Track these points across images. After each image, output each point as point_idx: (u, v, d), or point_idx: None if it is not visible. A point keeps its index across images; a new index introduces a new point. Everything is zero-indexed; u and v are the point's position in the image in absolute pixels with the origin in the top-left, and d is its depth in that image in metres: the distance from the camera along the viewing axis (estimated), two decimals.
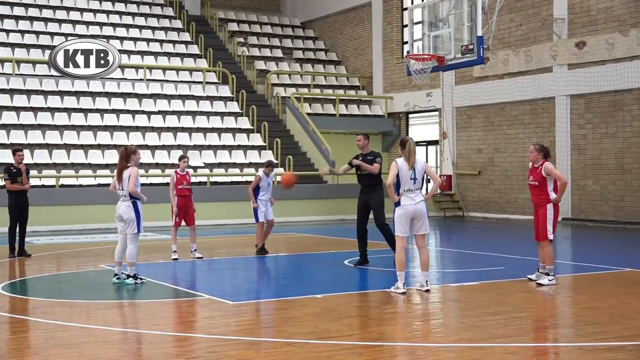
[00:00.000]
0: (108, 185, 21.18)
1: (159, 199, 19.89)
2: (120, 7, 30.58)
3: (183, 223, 13.75)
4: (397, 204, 9.71)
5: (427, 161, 27.48)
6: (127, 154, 10.70)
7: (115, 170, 10.90)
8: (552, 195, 10.26)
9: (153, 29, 30.21)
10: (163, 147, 24.06)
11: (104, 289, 10.52)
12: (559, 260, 13.95)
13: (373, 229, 12.52)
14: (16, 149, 14.19)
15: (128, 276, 10.70)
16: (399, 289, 9.66)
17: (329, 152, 25.41)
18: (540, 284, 10.27)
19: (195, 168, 23.28)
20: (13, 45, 26.37)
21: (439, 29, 19.28)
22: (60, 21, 28.52)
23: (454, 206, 25.62)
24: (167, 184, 22.26)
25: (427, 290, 9.85)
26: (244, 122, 26.64)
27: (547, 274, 10.34)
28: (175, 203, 13.60)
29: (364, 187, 12.55)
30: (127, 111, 24.95)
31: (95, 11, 29.66)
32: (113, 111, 24.72)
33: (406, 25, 26.01)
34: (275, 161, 13.97)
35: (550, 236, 10.30)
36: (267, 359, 6.62)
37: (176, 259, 13.55)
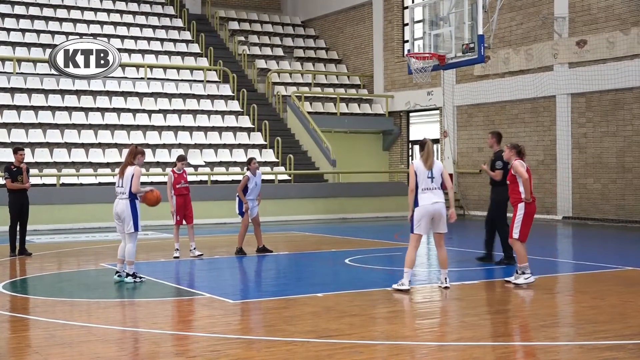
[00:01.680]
0: (109, 184, 21.31)
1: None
2: (121, 5, 30.58)
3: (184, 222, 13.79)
4: (416, 204, 9.76)
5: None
6: (134, 153, 10.76)
7: (120, 166, 10.94)
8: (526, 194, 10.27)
9: (154, 27, 30.21)
10: (164, 145, 24.06)
11: (104, 287, 10.53)
12: (560, 259, 13.96)
13: (379, 230, 12.50)
14: (17, 148, 14.17)
15: (127, 275, 10.70)
16: (404, 285, 9.67)
17: (330, 150, 25.42)
18: (516, 284, 10.14)
19: (196, 167, 23.29)
20: (14, 44, 26.38)
21: (439, 28, 19.27)
22: (61, 20, 28.52)
23: (454, 205, 25.57)
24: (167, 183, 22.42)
25: (447, 287, 9.94)
26: (245, 121, 26.65)
27: (523, 273, 10.22)
28: (174, 202, 13.63)
29: (489, 184, 12.67)
30: (128, 110, 24.95)
31: (96, 10, 29.66)
32: (114, 110, 24.72)
33: (407, 24, 25.99)
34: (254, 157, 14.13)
35: (515, 235, 10.21)
36: (267, 358, 6.62)
37: (177, 257, 13.57)
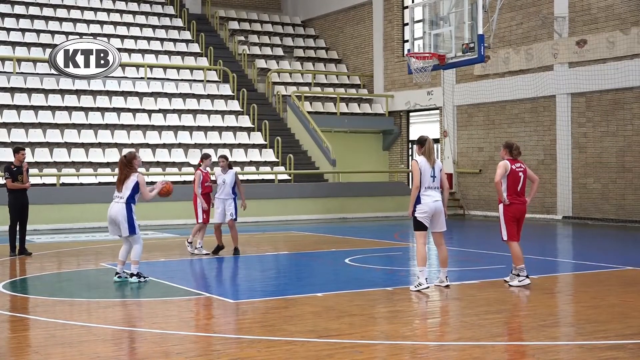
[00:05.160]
0: (109, 184, 21.30)
1: (160, 197, 19.86)
2: (121, 5, 30.58)
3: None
4: (418, 201, 9.78)
5: None
6: (128, 161, 10.68)
7: (117, 178, 10.82)
8: (503, 196, 10.24)
9: (154, 27, 30.21)
10: (164, 145, 24.05)
11: (104, 287, 10.53)
12: (560, 259, 13.96)
13: (380, 229, 12.48)
14: (18, 147, 14.13)
15: (132, 274, 10.70)
16: (422, 285, 9.67)
17: (330, 150, 25.42)
18: (510, 285, 10.12)
19: (195, 167, 23.29)
20: (14, 44, 26.38)
21: (439, 28, 19.29)
22: (61, 20, 28.52)
23: (454, 204, 25.62)
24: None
25: (447, 286, 9.98)
26: (245, 121, 26.64)
27: (518, 275, 10.16)
28: (203, 201, 13.75)
29: None
30: (128, 110, 24.96)
31: (96, 10, 29.66)
32: (114, 110, 24.72)
33: (407, 24, 26.01)
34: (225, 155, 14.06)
35: (504, 237, 10.20)
36: (268, 358, 6.61)
37: (208, 253, 13.78)
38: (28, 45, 26.57)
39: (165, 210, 20.64)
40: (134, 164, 10.69)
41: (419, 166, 9.80)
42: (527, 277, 10.12)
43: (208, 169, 14.11)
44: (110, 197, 10.90)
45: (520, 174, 10.28)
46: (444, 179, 10.10)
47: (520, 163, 10.37)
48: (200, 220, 13.86)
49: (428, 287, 9.74)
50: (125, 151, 22.54)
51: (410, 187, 10.09)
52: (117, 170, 10.89)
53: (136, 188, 10.59)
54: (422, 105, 27.84)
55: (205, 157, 14.07)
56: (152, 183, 20.89)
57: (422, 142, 9.93)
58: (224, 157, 13.78)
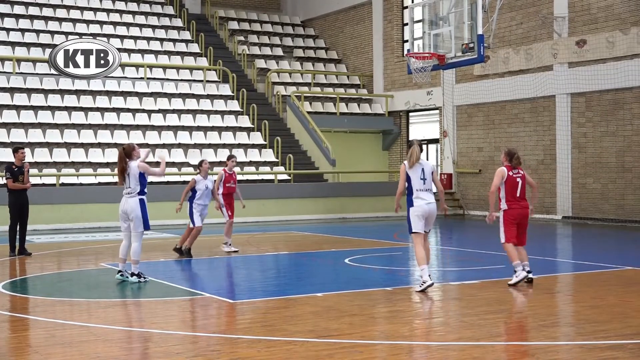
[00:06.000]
0: (108, 184, 21.30)
1: (160, 197, 19.88)
2: (120, 5, 30.58)
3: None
4: (411, 204, 9.85)
5: (427, 159, 27.47)
6: (127, 153, 10.70)
7: (117, 171, 10.84)
8: (501, 204, 10.33)
9: (153, 27, 30.20)
10: (164, 145, 24.05)
11: (104, 287, 10.53)
12: (560, 259, 13.97)
13: (379, 228, 12.47)
14: (17, 147, 14.12)
15: (132, 274, 10.69)
16: (426, 282, 9.70)
17: (330, 150, 25.42)
18: (509, 285, 10.13)
19: (195, 167, 23.28)
20: (13, 44, 26.37)
21: (439, 28, 19.30)
22: (60, 20, 28.52)
23: (454, 204, 25.62)
24: (167, 183, 22.42)
25: (432, 284, 10.02)
26: (245, 121, 26.64)
27: (514, 271, 10.18)
28: (222, 200, 14.05)
29: None
30: (128, 110, 24.95)
31: (95, 10, 29.66)
32: (113, 110, 24.71)
33: (407, 24, 26.01)
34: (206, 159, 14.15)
35: (502, 240, 10.31)
36: (267, 358, 6.61)
37: (237, 250, 14.17)
38: (28, 45, 26.57)
39: (165, 210, 20.62)
40: (134, 156, 10.71)
41: (405, 169, 9.95)
42: (523, 270, 10.14)
43: (234, 169, 14.56)
44: (110, 198, 10.91)
45: (518, 179, 10.38)
46: (437, 180, 10.21)
47: (518, 169, 10.44)
48: (227, 219, 14.22)
49: (433, 284, 9.76)
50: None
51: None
52: (115, 171, 10.86)
53: (143, 177, 10.65)
54: (421, 105, 27.84)
55: (230, 157, 14.43)
56: (151, 183, 20.84)
57: (408, 146, 10.09)
58: (205, 161, 13.98)
